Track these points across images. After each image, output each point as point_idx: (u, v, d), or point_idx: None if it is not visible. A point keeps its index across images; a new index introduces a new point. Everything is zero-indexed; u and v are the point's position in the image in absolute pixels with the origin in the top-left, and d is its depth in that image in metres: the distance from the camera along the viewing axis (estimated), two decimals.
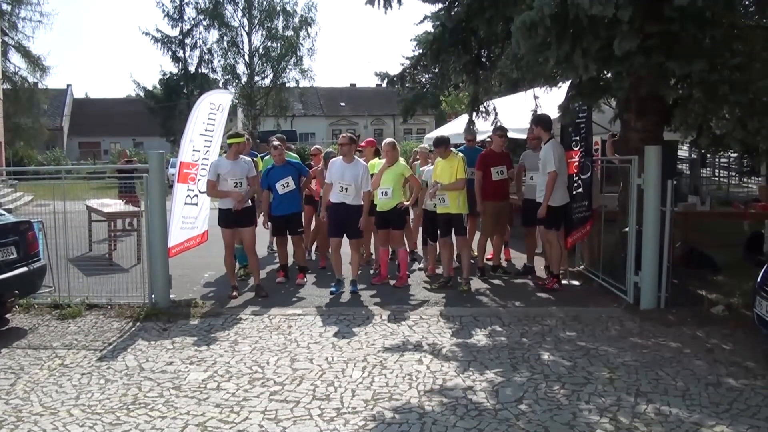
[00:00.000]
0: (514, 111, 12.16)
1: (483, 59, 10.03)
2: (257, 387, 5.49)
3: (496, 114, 11.05)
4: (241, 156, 8.53)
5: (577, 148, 8.82)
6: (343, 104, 64.20)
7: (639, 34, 6.90)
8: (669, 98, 7.90)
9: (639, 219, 7.77)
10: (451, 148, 8.89)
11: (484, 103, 10.83)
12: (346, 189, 8.45)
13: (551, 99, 10.16)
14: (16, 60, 39.89)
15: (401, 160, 9.17)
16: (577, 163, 8.77)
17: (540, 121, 8.79)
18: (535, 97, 10.94)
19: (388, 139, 9.20)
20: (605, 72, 8.07)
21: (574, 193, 8.74)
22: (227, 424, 4.81)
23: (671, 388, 5.38)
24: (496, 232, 9.70)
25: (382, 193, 8.80)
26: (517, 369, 5.83)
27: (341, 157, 8.63)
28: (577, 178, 8.76)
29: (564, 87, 9.39)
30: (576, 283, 9.09)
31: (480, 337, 6.77)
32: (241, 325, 7.31)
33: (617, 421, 4.77)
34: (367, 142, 10.51)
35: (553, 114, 9.35)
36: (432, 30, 9.67)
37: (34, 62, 39.94)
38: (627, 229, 8.14)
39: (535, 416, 4.86)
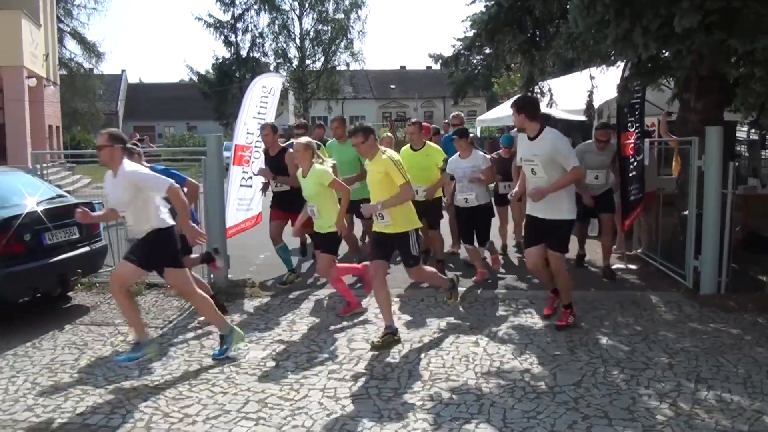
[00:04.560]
0: (569, 91, 11.97)
1: (538, 39, 9.90)
2: (316, 366, 5.57)
3: (552, 95, 10.90)
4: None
5: (633, 129, 8.67)
6: (393, 87, 64.02)
7: (700, 10, 6.70)
8: (730, 77, 7.68)
9: (699, 202, 7.61)
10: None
11: (539, 84, 10.69)
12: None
13: (607, 79, 9.97)
14: (71, 46, 41.03)
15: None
16: (632, 145, 8.61)
17: (525, 105, 6.23)
18: (591, 77, 10.75)
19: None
20: (664, 50, 7.88)
21: (630, 175, 8.58)
22: (287, 401, 4.89)
23: (732, 375, 5.27)
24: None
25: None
26: (574, 353, 5.79)
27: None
28: (633, 159, 8.60)
29: (619, 67, 9.19)
30: (633, 267, 8.94)
31: (536, 321, 6.74)
32: (297, 305, 7.41)
33: (677, 407, 4.71)
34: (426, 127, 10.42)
35: (611, 94, 9.17)
36: (486, 10, 9.55)
37: (89, 48, 40.94)
38: (686, 212, 7.97)
39: (594, 400, 4.82)
